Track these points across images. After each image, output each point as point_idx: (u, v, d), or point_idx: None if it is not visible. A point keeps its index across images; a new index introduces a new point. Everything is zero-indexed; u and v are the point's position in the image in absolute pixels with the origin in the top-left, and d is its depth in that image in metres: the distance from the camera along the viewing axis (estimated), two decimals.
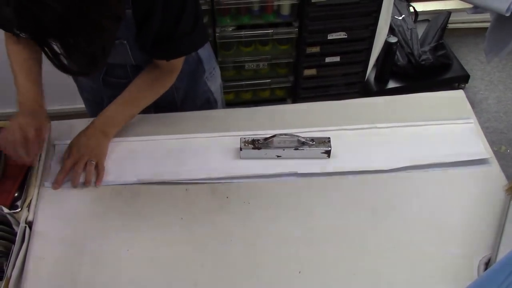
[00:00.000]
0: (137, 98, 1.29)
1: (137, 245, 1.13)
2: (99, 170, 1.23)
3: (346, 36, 2.28)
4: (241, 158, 1.26)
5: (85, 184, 1.22)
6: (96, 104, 1.48)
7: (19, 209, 1.20)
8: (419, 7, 2.88)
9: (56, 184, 1.22)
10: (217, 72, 1.50)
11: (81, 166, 1.22)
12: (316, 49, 2.32)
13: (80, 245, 1.14)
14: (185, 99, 1.45)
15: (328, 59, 2.37)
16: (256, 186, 1.23)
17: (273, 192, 1.21)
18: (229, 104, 2.56)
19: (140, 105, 1.29)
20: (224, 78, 2.43)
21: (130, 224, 1.17)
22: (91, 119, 1.29)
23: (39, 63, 1.26)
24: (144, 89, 1.28)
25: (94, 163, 1.23)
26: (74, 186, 1.22)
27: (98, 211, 1.19)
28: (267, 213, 1.18)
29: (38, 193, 1.23)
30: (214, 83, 1.49)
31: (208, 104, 1.51)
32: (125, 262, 1.11)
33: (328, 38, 2.28)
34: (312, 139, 1.25)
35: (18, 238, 1.12)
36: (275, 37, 2.27)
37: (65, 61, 0.91)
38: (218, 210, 1.19)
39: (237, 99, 2.55)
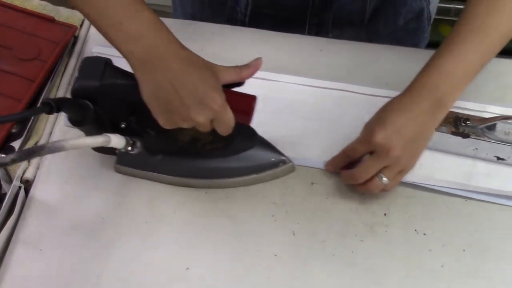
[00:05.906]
0: (485, 25, 0.63)
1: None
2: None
3: None
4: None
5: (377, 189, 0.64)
6: None
7: None
8: None
9: (331, 167, 0.70)
10: None
11: (386, 177, 0.63)
12: None
13: (107, 246, 0.63)
14: (380, 8, 0.84)
15: None
16: (432, 206, 0.65)
17: (470, 229, 0.64)
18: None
19: (492, 39, 0.64)
20: None
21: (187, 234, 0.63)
22: (185, 21, 0.79)
23: None
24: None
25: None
26: (347, 182, 0.67)
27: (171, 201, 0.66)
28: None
29: (51, 132, 0.71)
30: None
31: (418, 23, 0.88)
32: None
33: None
34: None
35: (4, 205, 0.64)
36: None
37: None
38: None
39: None
